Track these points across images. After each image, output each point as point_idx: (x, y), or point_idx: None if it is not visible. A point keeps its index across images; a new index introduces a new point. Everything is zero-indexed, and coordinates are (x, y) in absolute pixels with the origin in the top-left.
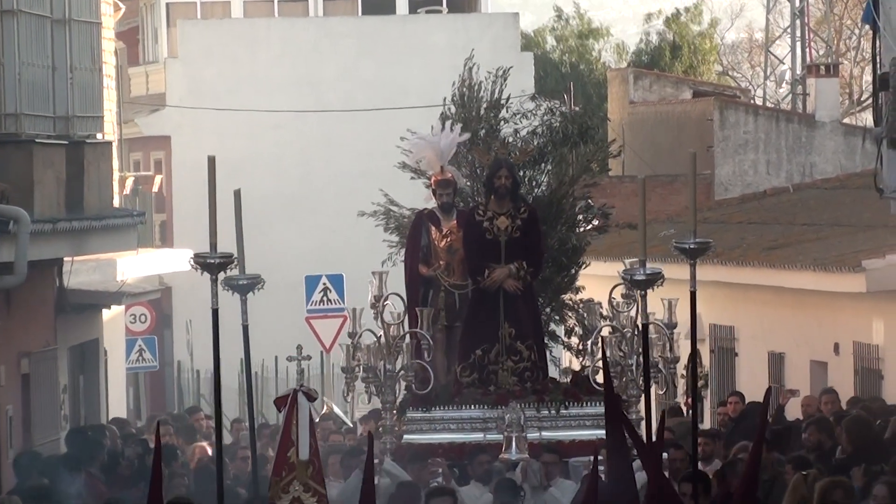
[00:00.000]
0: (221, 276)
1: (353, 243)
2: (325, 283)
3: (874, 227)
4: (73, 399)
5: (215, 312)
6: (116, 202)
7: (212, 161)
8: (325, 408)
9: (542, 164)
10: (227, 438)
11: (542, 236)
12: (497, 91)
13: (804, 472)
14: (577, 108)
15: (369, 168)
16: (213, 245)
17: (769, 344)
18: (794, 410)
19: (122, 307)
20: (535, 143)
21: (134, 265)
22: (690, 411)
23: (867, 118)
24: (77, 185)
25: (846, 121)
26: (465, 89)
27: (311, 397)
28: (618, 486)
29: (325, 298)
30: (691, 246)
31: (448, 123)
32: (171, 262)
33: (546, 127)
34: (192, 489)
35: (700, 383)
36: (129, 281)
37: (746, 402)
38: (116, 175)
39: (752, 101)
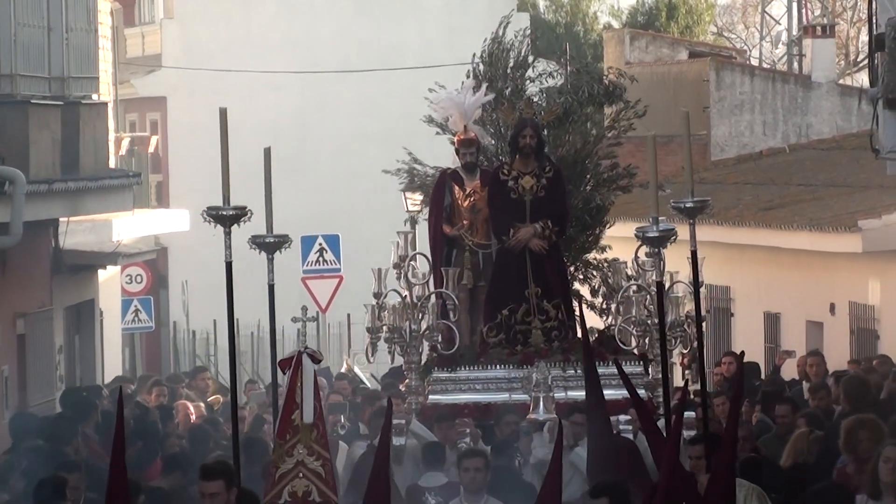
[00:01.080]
0: (245, 233)
1: (349, 204)
2: (320, 244)
3: (870, 187)
4: (69, 360)
5: (229, 266)
6: (112, 163)
7: (223, 113)
8: (346, 367)
9: (568, 124)
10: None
11: (567, 195)
12: (524, 51)
13: (807, 430)
14: (577, 67)
15: (365, 128)
16: (226, 197)
17: (765, 304)
18: (790, 371)
19: (118, 268)
20: (561, 102)
21: (130, 226)
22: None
23: (863, 79)
24: (73, 146)
25: (842, 81)
26: (494, 47)
27: (315, 359)
28: (599, 446)
29: (320, 259)
30: (688, 205)
31: (470, 82)
32: (167, 223)
33: (571, 86)
34: (188, 449)
35: (696, 343)
36: (124, 241)
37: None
38: (112, 136)
39: (748, 62)
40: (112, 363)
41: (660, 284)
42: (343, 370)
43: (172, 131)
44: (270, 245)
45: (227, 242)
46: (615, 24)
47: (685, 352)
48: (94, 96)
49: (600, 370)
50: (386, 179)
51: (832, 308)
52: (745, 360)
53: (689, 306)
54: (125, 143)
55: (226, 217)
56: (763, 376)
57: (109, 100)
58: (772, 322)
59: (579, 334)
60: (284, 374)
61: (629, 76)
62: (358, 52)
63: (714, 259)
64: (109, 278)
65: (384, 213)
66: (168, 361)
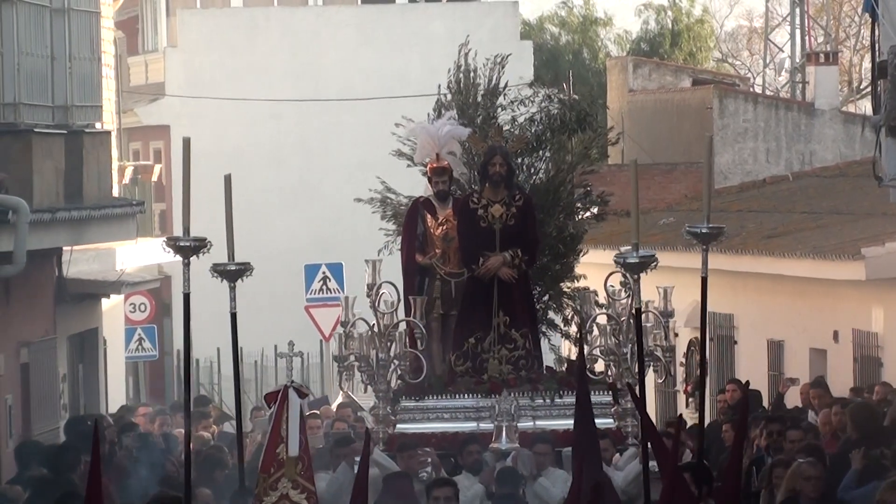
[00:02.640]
0: (208, 262)
1: (352, 232)
2: (324, 272)
3: (873, 215)
4: (73, 388)
5: (186, 297)
6: (115, 192)
7: (186, 143)
8: (342, 395)
9: (541, 152)
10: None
11: (537, 224)
12: (495, 78)
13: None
14: (575, 97)
15: (369, 157)
16: (187, 228)
17: (768, 332)
18: (793, 398)
19: (122, 296)
20: (533, 131)
21: (133, 254)
22: (692, 399)
23: (866, 106)
24: (76, 175)
25: (845, 109)
26: (460, 75)
27: (301, 393)
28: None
29: (324, 287)
30: (703, 230)
31: (447, 114)
32: (171, 252)
33: (544, 114)
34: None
35: (698, 371)
36: (128, 270)
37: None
38: (115, 164)
39: (751, 90)
40: (116, 392)
41: (638, 311)
42: (341, 398)
43: (175, 160)
44: (232, 273)
45: (186, 274)
46: (618, 52)
47: (689, 379)
48: (98, 125)
49: (570, 399)
50: None
51: (836, 335)
52: (743, 389)
53: (682, 335)
54: (128, 172)
55: (185, 248)
56: (766, 404)
57: (113, 128)
58: (775, 349)
59: (551, 363)
60: (270, 407)
61: (601, 102)
62: (361, 81)
63: (717, 286)
64: (113, 307)
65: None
66: (171, 390)
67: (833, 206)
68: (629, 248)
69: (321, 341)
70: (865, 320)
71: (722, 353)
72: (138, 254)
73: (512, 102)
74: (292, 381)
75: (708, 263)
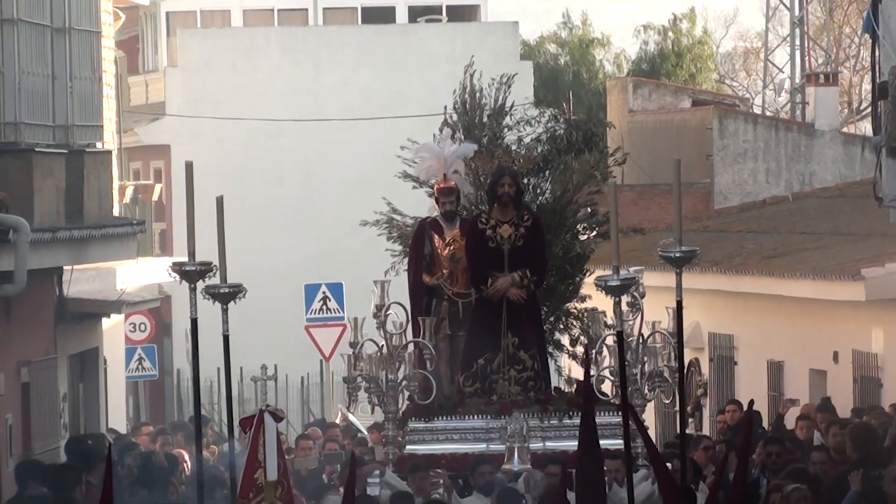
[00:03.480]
0: (202, 284)
1: (352, 252)
2: (324, 292)
3: (873, 235)
4: (73, 408)
5: (194, 322)
6: (116, 211)
7: (189, 167)
8: (340, 416)
9: (546, 172)
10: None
11: (545, 244)
12: (501, 98)
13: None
14: (576, 117)
15: (368, 177)
16: (192, 252)
17: (768, 352)
18: (793, 419)
19: (122, 316)
20: (539, 151)
21: (133, 274)
22: (691, 420)
23: (866, 127)
24: (77, 194)
25: (845, 129)
26: (466, 96)
27: (277, 417)
28: (589, 495)
29: (324, 307)
30: (677, 254)
31: (447, 132)
32: (176, 277)
33: (550, 134)
34: (188, 496)
35: (699, 392)
36: (128, 290)
37: (745, 410)
38: (116, 184)
39: (751, 110)
40: (116, 411)
41: (620, 333)
42: (338, 419)
43: (176, 179)
44: (225, 295)
45: (193, 300)
46: (615, 72)
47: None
48: (99, 144)
49: (578, 420)
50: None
51: (836, 356)
52: (746, 408)
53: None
54: (129, 192)
55: (191, 273)
56: (766, 425)
57: (113, 148)
58: (775, 370)
59: (559, 384)
60: (245, 433)
61: (608, 123)
62: (361, 101)
63: (717, 307)
64: (113, 326)
65: (388, 261)
66: (172, 409)
67: (833, 226)
68: (639, 268)
69: (321, 361)
70: (865, 341)
71: (722, 374)
72: (139, 273)
73: (518, 122)
74: (267, 405)
75: (694, 286)
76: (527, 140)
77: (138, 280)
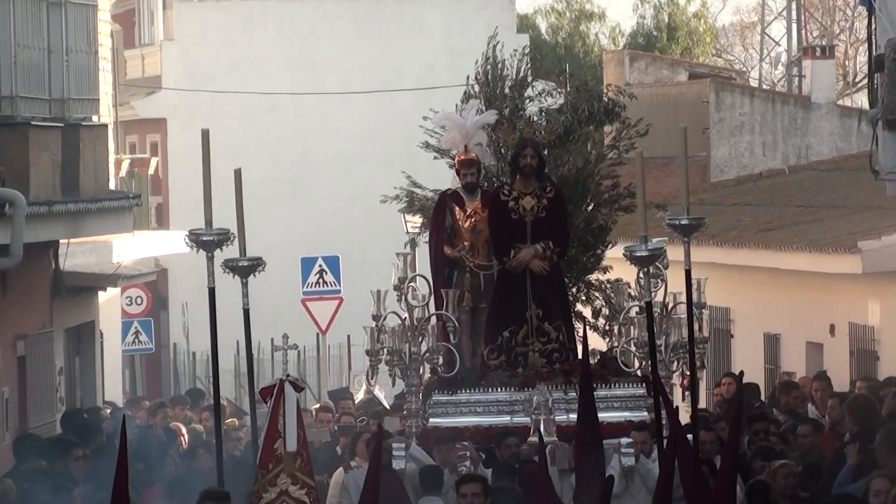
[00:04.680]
0: (220, 256)
1: (349, 225)
2: (320, 265)
3: (870, 208)
4: (69, 381)
5: (212, 291)
6: (112, 185)
7: (205, 135)
8: (364, 389)
9: (568, 143)
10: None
11: (568, 216)
12: (523, 70)
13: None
14: (578, 86)
15: (366, 150)
16: (209, 221)
17: (765, 325)
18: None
19: (118, 289)
20: (562, 121)
21: (130, 247)
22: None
23: (862, 100)
24: (73, 168)
25: (841, 102)
26: (488, 67)
27: (297, 387)
28: (587, 473)
29: (320, 280)
30: (683, 222)
31: (472, 103)
32: (167, 245)
33: (571, 106)
34: (182, 470)
35: (696, 364)
36: (125, 263)
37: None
38: (112, 157)
39: (747, 84)
40: (112, 385)
41: (648, 304)
42: (362, 394)
43: (172, 153)
44: (244, 269)
45: (210, 269)
46: (611, 46)
47: (687, 373)
48: (95, 118)
49: (603, 392)
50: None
51: (832, 329)
52: (745, 381)
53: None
54: (125, 165)
55: (209, 242)
56: (763, 397)
57: (109, 122)
58: (772, 343)
59: (580, 356)
60: (266, 402)
61: (628, 93)
62: (358, 74)
63: (714, 280)
64: (109, 300)
65: (384, 234)
66: (168, 383)
67: (829, 199)
68: (661, 239)
69: (317, 334)
70: (862, 314)
71: (718, 347)
72: (135, 247)
73: (540, 94)
74: (288, 375)
75: (692, 256)
76: (548, 111)
77: (135, 253)
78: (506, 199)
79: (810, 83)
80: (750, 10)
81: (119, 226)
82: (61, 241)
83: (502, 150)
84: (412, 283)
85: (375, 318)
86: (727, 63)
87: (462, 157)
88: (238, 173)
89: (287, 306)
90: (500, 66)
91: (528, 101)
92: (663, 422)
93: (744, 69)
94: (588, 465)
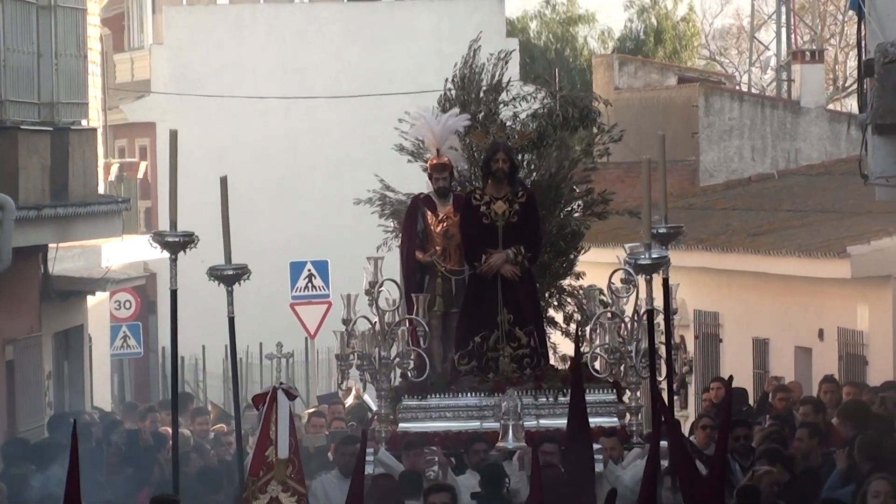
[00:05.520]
0: (193, 257)
1: (338, 230)
2: (309, 270)
3: (859, 213)
4: (58, 386)
5: (174, 294)
6: (101, 189)
7: (173, 136)
8: (354, 394)
9: (542, 148)
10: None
11: (540, 221)
12: (497, 74)
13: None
14: (566, 93)
15: (355, 154)
16: (173, 223)
17: (753, 330)
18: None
19: (107, 293)
20: (535, 127)
21: (119, 252)
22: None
23: (852, 104)
24: (62, 172)
25: (831, 107)
26: (466, 70)
27: (290, 395)
28: (576, 475)
29: (309, 285)
30: (661, 230)
31: (453, 111)
32: (156, 249)
33: (546, 110)
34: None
35: (685, 369)
36: (113, 267)
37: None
38: (101, 161)
39: (737, 88)
40: (101, 389)
41: (649, 312)
42: (351, 398)
43: (161, 157)
44: (229, 277)
45: (173, 271)
46: (600, 50)
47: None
48: (84, 122)
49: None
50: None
51: (821, 334)
52: (734, 385)
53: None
54: (114, 169)
55: (173, 244)
56: (752, 402)
57: (99, 125)
58: (760, 348)
59: (553, 361)
60: (258, 410)
61: (603, 100)
62: (348, 78)
63: (703, 285)
64: (98, 304)
65: (373, 238)
66: (157, 387)
67: (819, 204)
68: (636, 244)
69: (306, 339)
70: (851, 318)
71: (707, 352)
72: (124, 251)
73: (514, 99)
74: (281, 383)
75: (679, 263)
76: (522, 116)
77: (123, 258)
78: (477, 204)
79: (799, 87)
80: (747, 15)
81: (108, 230)
82: (50, 245)
83: (476, 155)
84: (381, 288)
85: (345, 322)
86: (720, 66)
87: (434, 162)
88: (224, 181)
89: (276, 310)
90: (479, 69)
91: (502, 105)
92: (631, 428)
93: (737, 73)
94: (577, 469)
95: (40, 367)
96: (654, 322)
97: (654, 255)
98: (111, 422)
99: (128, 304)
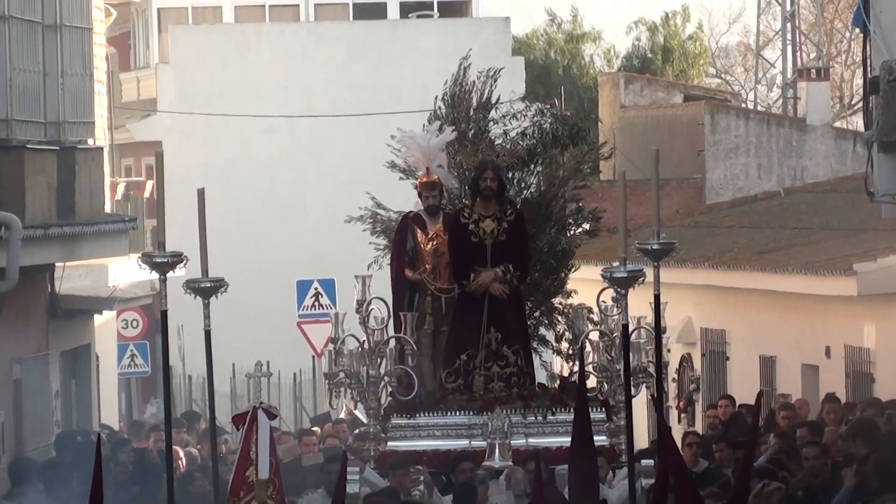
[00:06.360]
0: (183, 277)
1: (344, 248)
2: (316, 288)
3: (865, 230)
4: (65, 404)
5: (164, 314)
6: (108, 207)
7: (159, 157)
8: (346, 411)
9: (532, 166)
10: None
11: (528, 239)
12: (487, 92)
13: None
14: (567, 112)
15: (360, 173)
16: (162, 243)
17: (760, 348)
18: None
19: (114, 312)
20: (524, 145)
21: (125, 270)
22: (684, 415)
23: (858, 122)
24: (68, 191)
25: (837, 124)
26: (456, 88)
27: (271, 415)
28: (582, 494)
29: (316, 303)
30: (654, 247)
31: (436, 125)
32: (146, 269)
33: (536, 128)
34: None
35: (692, 387)
36: (120, 286)
37: (737, 405)
38: (108, 180)
39: (743, 105)
40: (108, 408)
41: (625, 326)
42: (343, 414)
43: (168, 176)
44: (206, 290)
45: (163, 291)
46: (606, 68)
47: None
48: (90, 141)
49: (563, 416)
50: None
51: (828, 351)
52: (740, 403)
53: (675, 350)
54: (121, 188)
55: (162, 264)
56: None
57: (105, 144)
58: (767, 365)
59: (543, 380)
60: (238, 429)
61: (594, 117)
62: (353, 97)
63: (709, 302)
64: (105, 323)
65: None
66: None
67: (825, 221)
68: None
69: (313, 357)
70: (857, 336)
71: (714, 369)
72: (131, 270)
73: (504, 116)
74: (261, 403)
75: (662, 280)
76: (512, 134)
77: (130, 276)
78: (466, 222)
79: (805, 105)
80: (754, 33)
81: (114, 249)
82: (57, 264)
83: (466, 173)
84: (371, 306)
85: (333, 340)
86: (728, 84)
87: (424, 180)
88: (201, 193)
89: (283, 328)
90: (468, 88)
91: (491, 123)
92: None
93: (742, 91)
94: (582, 484)
95: (48, 385)
96: (630, 337)
97: (629, 269)
98: (119, 440)
99: (135, 323)
